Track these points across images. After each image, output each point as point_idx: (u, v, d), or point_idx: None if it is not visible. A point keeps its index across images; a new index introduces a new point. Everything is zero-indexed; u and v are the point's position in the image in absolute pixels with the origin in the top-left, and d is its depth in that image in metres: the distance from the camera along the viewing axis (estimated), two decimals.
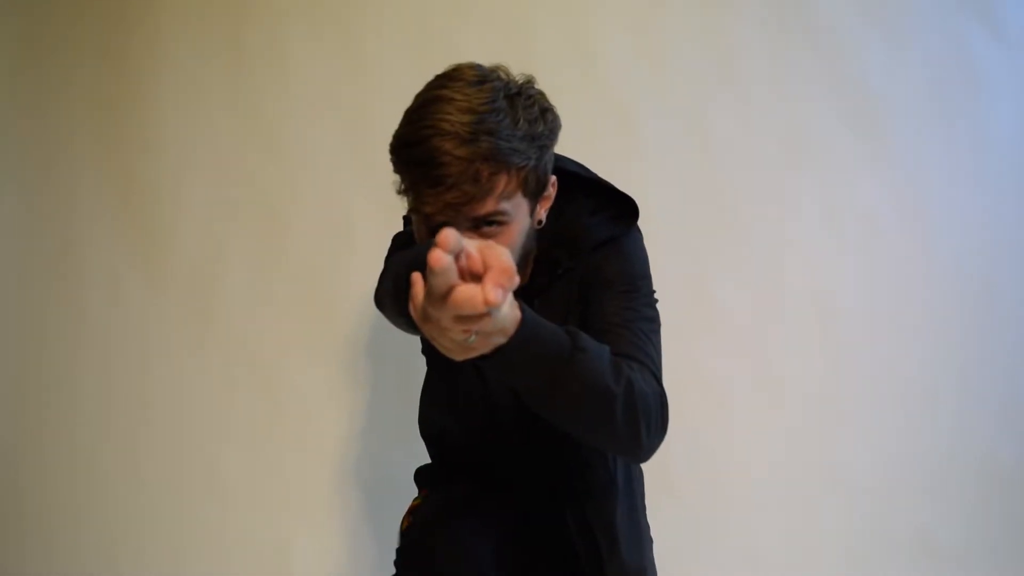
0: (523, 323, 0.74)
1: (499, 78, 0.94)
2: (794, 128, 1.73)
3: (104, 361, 1.73)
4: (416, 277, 0.65)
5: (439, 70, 0.97)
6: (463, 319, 0.64)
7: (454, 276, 0.61)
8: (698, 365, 1.68)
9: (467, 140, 0.88)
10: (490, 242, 0.65)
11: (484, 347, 0.71)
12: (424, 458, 1.26)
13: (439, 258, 0.59)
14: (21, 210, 1.75)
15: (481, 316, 0.63)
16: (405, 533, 1.15)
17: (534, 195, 0.97)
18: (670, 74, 1.73)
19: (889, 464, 1.71)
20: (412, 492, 1.24)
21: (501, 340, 0.73)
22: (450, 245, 0.60)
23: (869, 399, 1.72)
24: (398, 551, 1.11)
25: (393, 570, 1.09)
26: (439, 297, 0.62)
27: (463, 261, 0.63)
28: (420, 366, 1.24)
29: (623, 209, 1.08)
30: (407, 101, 0.96)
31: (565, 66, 1.70)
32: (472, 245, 0.64)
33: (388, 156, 0.96)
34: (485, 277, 0.62)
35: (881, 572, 1.66)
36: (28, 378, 1.73)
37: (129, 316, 1.73)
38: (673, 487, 1.62)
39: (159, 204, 1.74)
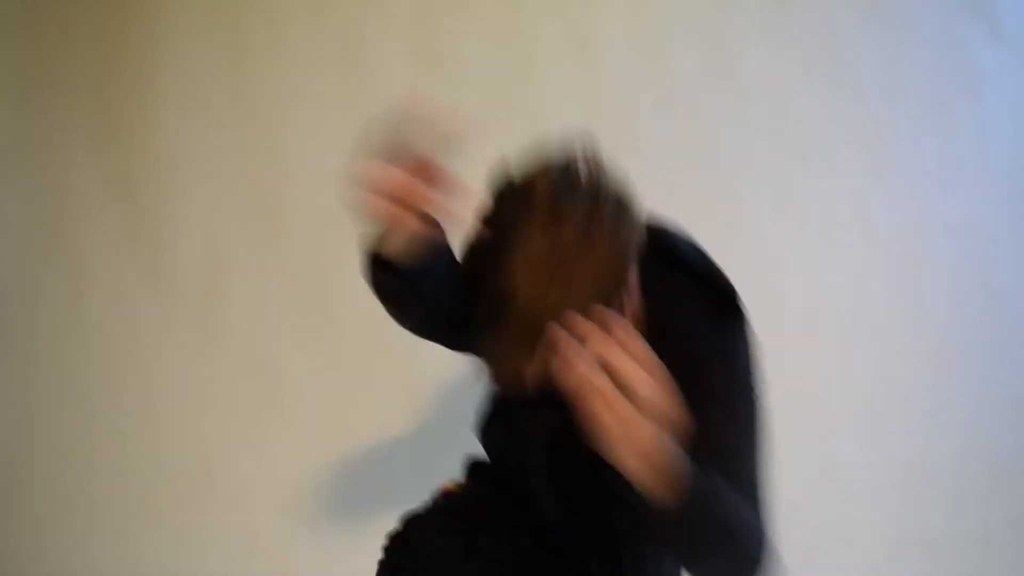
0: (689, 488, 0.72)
1: (577, 194, 0.78)
2: (794, 128, 1.73)
3: (104, 361, 1.73)
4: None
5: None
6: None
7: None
8: None
9: (544, 296, 0.76)
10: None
11: (642, 433, 0.69)
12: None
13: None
14: (21, 210, 1.75)
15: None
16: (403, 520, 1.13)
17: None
18: (670, 74, 1.73)
19: (893, 466, 1.71)
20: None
21: (655, 434, 0.70)
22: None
23: (871, 400, 1.72)
24: (388, 535, 1.09)
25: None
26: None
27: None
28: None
29: (724, 299, 0.99)
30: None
31: (564, 66, 1.69)
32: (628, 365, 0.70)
33: None
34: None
35: (886, 574, 1.66)
36: (28, 378, 1.73)
37: (129, 316, 1.73)
38: None
39: (159, 204, 1.74)
